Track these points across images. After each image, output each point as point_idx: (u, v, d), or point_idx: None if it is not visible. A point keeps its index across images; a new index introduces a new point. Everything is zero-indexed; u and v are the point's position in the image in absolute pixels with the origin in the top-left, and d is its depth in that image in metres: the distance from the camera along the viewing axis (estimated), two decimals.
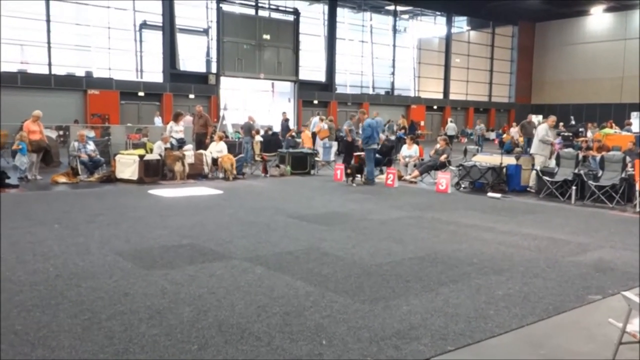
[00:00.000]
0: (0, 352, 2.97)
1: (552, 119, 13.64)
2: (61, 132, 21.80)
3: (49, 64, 27.08)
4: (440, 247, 7.05)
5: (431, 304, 4.89)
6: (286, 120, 23.84)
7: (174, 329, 4.18)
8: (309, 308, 4.71)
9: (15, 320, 4.26)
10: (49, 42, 27.01)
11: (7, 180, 12.20)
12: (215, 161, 14.64)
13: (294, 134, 21.64)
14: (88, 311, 4.49)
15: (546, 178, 11.82)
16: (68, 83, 27.19)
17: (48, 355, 3.66)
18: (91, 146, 14.30)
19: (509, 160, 13.05)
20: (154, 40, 30.29)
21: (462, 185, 13.14)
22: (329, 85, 36.41)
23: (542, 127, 13.33)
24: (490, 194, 11.98)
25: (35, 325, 4.18)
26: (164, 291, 5.05)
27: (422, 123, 39.32)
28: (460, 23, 45.20)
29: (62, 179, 12.96)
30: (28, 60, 27.33)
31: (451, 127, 32.40)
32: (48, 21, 26.84)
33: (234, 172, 14.22)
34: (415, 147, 15.21)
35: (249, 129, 18.36)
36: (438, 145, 15.00)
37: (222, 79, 31.73)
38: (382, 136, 17.95)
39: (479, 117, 40.32)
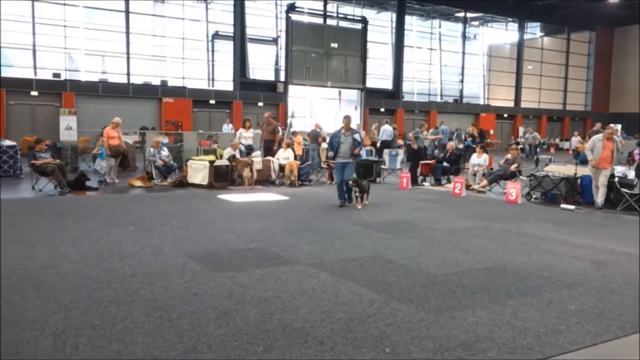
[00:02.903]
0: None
1: (612, 129, 12.45)
2: (138, 138, 22.74)
3: (128, 74, 28.40)
4: (509, 259, 6.87)
5: (499, 316, 4.78)
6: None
7: (240, 330, 4.28)
8: (372, 315, 4.71)
9: (94, 316, 4.50)
10: (127, 53, 28.33)
11: (87, 183, 12.88)
12: (282, 168, 14.88)
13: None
14: (160, 309, 4.68)
15: (624, 190, 11.28)
16: (145, 91, 28.40)
17: (123, 350, 3.84)
18: (165, 152, 14.88)
19: (584, 170, 12.54)
20: (225, 50, 31.15)
21: (533, 196, 12.74)
22: (395, 93, 36.22)
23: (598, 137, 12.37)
24: (563, 206, 11.56)
25: (112, 321, 4.39)
26: (231, 293, 5.18)
27: (491, 132, 38.42)
28: (533, 29, 43.87)
29: (138, 183, 13.54)
30: (108, 70, 28.74)
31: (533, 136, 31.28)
32: (127, 33, 28.15)
33: (293, 178, 14.39)
34: (484, 155, 14.88)
35: (315, 136, 18.53)
36: (509, 155, 14.63)
37: (290, 87, 32.15)
38: (452, 144, 17.70)
39: (528, 124, 38.94)
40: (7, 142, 15.97)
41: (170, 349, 3.88)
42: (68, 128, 24.73)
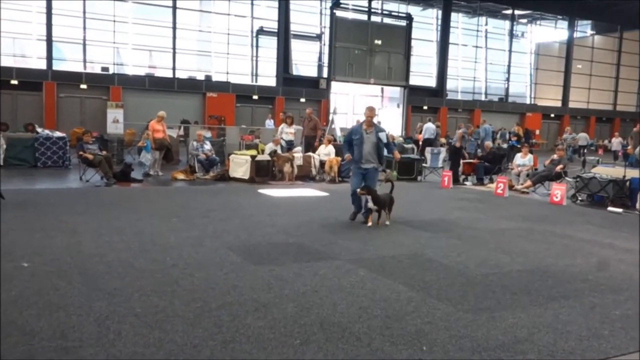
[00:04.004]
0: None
1: None
2: (181, 132, 23.16)
3: (173, 68, 28.94)
4: (551, 261, 6.72)
5: (539, 318, 4.68)
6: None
7: (278, 322, 4.32)
8: (410, 313, 4.68)
9: (136, 303, 4.62)
10: (174, 48, 28.85)
11: (132, 175, 13.21)
12: (323, 164, 14.91)
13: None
14: (200, 300, 4.76)
15: None
16: (189, 86, 28.89)
17: (163, 338, 3.93)
18: (208, 146, 15.10)
19: (633, 173, 12.14)
20: (269, 46, 31.38)
21: (579, 198, 12.42)
22: (439, 91, 35.81)
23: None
24: (610, 209, 11.23)
25: (153, 309, 4.50)
26: (269, 286, 5.23)
27: (537, 132, 37.58)
28: (584, 27, 42.64)
29: (181, 176, 13.80)
30: (155, 65, 29.36)
31: (583, 137, 30.38)
32: (174, 28, 28.67)
33: (333, 174, 14.40)
34: (529, 156, 14.58)
35: None
36: (555, 155, 14.28)
37: (333, 83, 32.21)
38: (489, 143, 17.40)
39: (577, 124, 37.81)
40: (57, 134, 16.50)
41: (209, 339, 3.95)
42: (115, 121, 25.36)
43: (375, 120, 9.09)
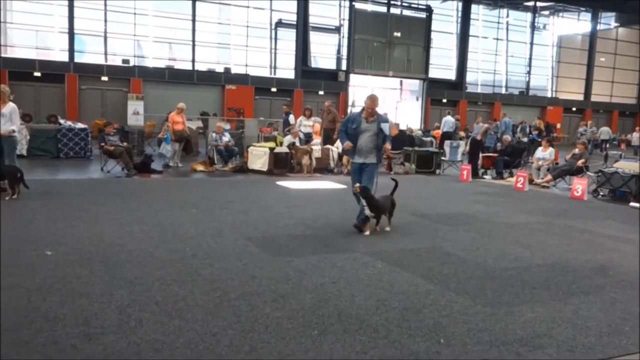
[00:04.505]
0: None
1: None
2: (200, 124, 23.29)
3: (193, 61, 29.11)
4: (571, 256, 6.66)
5: (559, 313, 4.65)
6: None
7: (296, 313, 4.35)
8: (428, 306, 4.68)
9: (157, 292, 4.68)
10: (193, 41, 29.00)
11: (152, 166, 13.34)
12: (341, 156, 14.92)
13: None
14: (219, 289, 4.82)
15: None
16: (208, 78, 29.05)
17: (183, 326, 3.99)
18: (226, 137, 15.17)
19: None
20: (288, 38, 31.38)
21: (601, 193, 12.27)
22: (459, 83, 35.56)
23: None
24: (633, 204, 11.08)
25: (173, 298, 4.56)
26: (287, 277, 5.27)
27: (558, 125, 37.12)
28: (608, 19, 41.93)
29: (200, 167, 13.90)
30: (175, 57, 29.54)
31: (605, 131, 29.91)
32: (194, 21, 28.80)
33: (349, 167, 14.38)
34: (550, 149, 14.42)
35: None
36: (576, 149, 14.11)
37: (352, 76, 32.14)
38: (507, 137, 17.24)
39: (599, 118, 37.21)
40: (79, 125, 16.72)
41: (228, 328, 4.00)
42: (135, 113, 25.62)
43: (381, 111, 7.91)
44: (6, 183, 8.90)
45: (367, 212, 7.19)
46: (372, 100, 7.57)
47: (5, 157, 9.29)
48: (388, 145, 7.68)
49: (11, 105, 9.38)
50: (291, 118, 20.95)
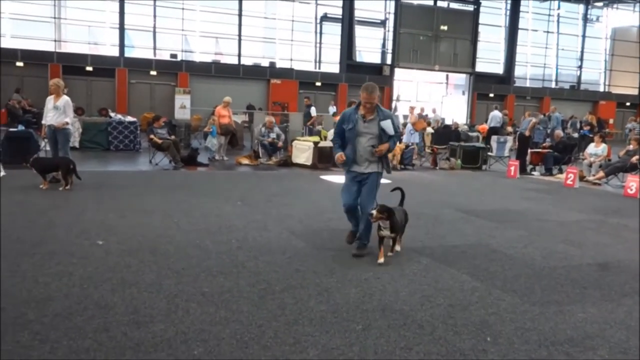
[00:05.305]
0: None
1: None
2: (246, 118, 23.54)
3: (239, 55, 29.40)
4: (624, 256, 6.44)
5: (611, 314, 4.51)
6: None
7: (340, 307, 4.35)
8: (474, 303, 4.61)
9: (203, 283, 4.76)
10: (239, 35, 29.29)
11: (198, 159, 13.56)
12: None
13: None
14: (264, 282, 4.86)
15: None
16: (254, 73, 29.29)
17: (229, 317, 4.04)
18: (274, 134, 15.19)
19: None
20: (333, 32, 31.32)
21: None
22: (506, 78, 34.78)
23: None
24: None
25: (219, 289, 4.63)
26: (332, 271, 5.27)
27: (610, 121, 35.89)
28: None
29: (245, 161, 14.06)
30: (222, 52, 29.91)
31: None
32: (240, 15, 29.08)
33: (395, 162, 14.29)
34: (603, 145, 13.97)
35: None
36: (630, 146, 13.62)
37: (396, 70, 31.85)
38: (559, 132, 16.77)
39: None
40: (129, 118, 17.13)
41: (273, 320, 4.03)
42: (182, 107, 26.09)
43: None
44: (59, 174, 9.21)
45: (386, 233, 5.65)
46: (369, 91, 5.65)
47: (60, 148, 9.62)
48: (385, 146, 5.77)
49: (65, 99, 9.70)
50: (312, 110, 20.95)
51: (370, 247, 6.01)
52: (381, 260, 5.60)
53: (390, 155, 14.18)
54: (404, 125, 17.85)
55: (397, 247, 6.07)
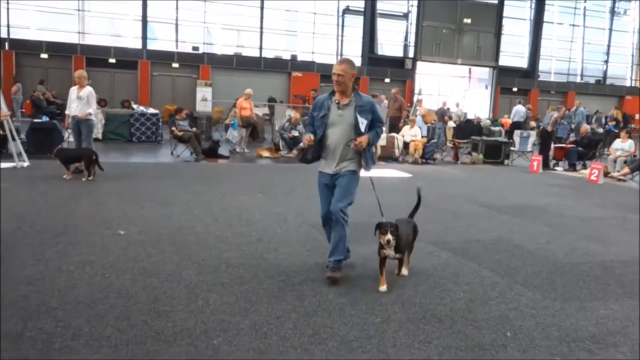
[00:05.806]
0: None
1: None
2: (267, 111, 23.58)
3: (260, 48, 29.43)
4: None
5: (634, 312, 4.43)
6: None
7: (359, 300, 4.35)
8: (494, 298, 4.57)
9: (223, 274, 4.79)
10: (261, 28, 29.31)
11: (219, 151, 13.63)
12: (406, 145, 14.74)
13: None
14: (283, 274, 4.88)
15: None
16: (275, 65, 29.30)
17: (249, 308, 4.06)
18: (296, 132, 15.12)
19: None
20: (355, 25, 31.17)
21: None
22: (530, 72, 34.31)
23: None
24: None
25: (239, 280, 4.65)
26: (351, 264, 5.27)
27: (637, 116, 35.21)
28: None
29: (266, 154, 14.10)
30: (243, 44, 29.97)
31: None
32: (262, 8, 29.09)
33: (417, 156, 14.21)
34: (630, 141, 13.74)
35: (442, 114, 18.12)
36: None
37: (419, 63, 31.61)
38: (586, 127, 16.52)
39: None
40: (151, 110, 17.28)
41: (292, 312, 4.04)
42: (204, 99, 26.19)
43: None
44: (82, 165, 9.33)
45: (389, 252, 4.67)
46: (341, 68, 4.79)
47: (83, 139, 9.75)
48: (364, 138, 4.76)
49: (88, 89, 9.81)
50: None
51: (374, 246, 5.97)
52: (383, 287, 4.57)
53: (412, 150, 14.26)
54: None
55: (404, 271, 5.03)
